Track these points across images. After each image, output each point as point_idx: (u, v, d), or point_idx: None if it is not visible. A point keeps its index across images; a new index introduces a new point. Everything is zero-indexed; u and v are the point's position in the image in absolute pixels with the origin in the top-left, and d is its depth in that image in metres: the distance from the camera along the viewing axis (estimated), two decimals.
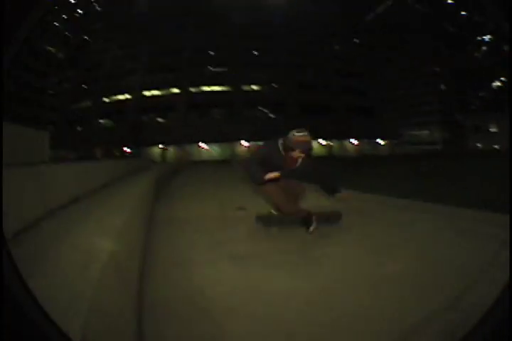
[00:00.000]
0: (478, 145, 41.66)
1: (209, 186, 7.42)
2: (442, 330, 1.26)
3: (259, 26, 39.58)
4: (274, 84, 38.11)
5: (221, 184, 7.80)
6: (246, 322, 1.39)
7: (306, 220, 2.87)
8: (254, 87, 37.82)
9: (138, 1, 42.12)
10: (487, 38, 45.07)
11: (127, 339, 1.05)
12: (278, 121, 34.05)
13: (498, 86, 43.95)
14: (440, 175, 7.78)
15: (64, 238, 1.35)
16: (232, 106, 35.77)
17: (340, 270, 1.97)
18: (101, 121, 37.80)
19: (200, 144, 34.69)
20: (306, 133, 2.70)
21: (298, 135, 2.68)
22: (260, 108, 37.17)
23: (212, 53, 38.52)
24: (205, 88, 36.78)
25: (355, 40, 47.82)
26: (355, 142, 38.85)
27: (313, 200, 3.78)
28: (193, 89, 36.49)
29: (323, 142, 37.01)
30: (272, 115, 37.08)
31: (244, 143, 34.47)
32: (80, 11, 51.06)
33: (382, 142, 41.02)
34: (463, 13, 47.53)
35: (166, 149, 30.76)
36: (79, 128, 38.73)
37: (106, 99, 38.25)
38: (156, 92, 37.16)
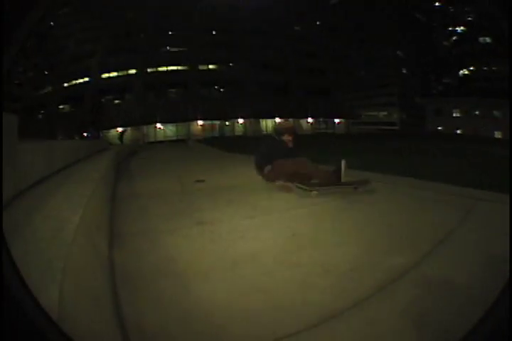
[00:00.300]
0: (439, 128, 42.18)
1: (167, 164, 7.41)
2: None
3: (219, 5, 38.22)
4: (231, 64, 37.50)
5: (179, 162, 7.89)
6: (220, 286, 1.43)
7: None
8: (211, 67, 36.98)
9: None
10: (459, 29, 46.34)
11: (103, 303, 1.09)
12: (235, 100, 33.98)
13: (465, 74, 45.48)
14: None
15: (37, 211, 1.39)
16: (188, 85, 35.02)
17: (302, 228, 2.21)
18: (61, 106, 35.74)
19: (157, 125, 33.68)
20: (288, 121, 3.30)
21: (283, 123, 4.66)
22: (216, 87, 36.65)
23: (170, 33, 37.06)
24: (162, 68, 35.63)
25: (318, 22, 47.79)
26: (310, 120, 39.77)
27: None
28: (149, 70, 35.30)
29: (278, 120, 37.80)
30: (228, 94, 36.75)
31: (199, 122, 34.38)
32: None
33: (337, 121, 42.23)
34: (437, 4, 48.43)
35: (124, 131, 29.74)
36: (40, 116, 36.29)
37: (66, 84, 36.08)
38: (113, 74, 35.56)
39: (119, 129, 32.05)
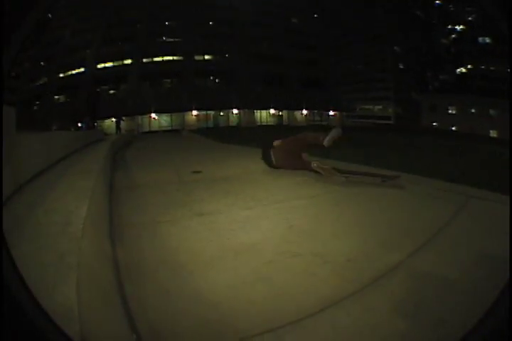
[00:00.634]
0: (434, 124, 42.39)
1: (163, 154, 7.33)
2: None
3: None
4: (227, 55, 37.12)
5: (174, 152, 7.78)
6: (224, 275, 1.46)
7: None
8: (207, 57, 36.61)
9: None
10: (459, 28, 46.10)
11: (114, 300, 1.10)
12: (229, 90, 33.76)
13: (462, 72, 45.49)
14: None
15: (40, 206, 1.39)
16: (183, 76, 34.71)
17: (302, 218, 2.24)
18: (56, 97, 35.17)
19: (152, 115, 33.38)
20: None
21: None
22: (212, 78, 36.33)
23: (167, 23, 36.57)
24: (158, 58, 35.23)
25: (315, 15, 47.20)
26: (305, 112, 39.85)
27: None
28: (145, 60, 34.94)
29: (273, 111, 37.77)
30: (223, 85, 36.52)
31: (194, 112, 34.25)
32: None
33: (332, 113, 42.34)
34: (437, 2, 47.93)
35: (119, 121, 29.46)
36: (35, 108, 35.62)
37: (61, 75, 35.71)
38: (109, 64, 35.17)
39: (115, 119, 31.89)
